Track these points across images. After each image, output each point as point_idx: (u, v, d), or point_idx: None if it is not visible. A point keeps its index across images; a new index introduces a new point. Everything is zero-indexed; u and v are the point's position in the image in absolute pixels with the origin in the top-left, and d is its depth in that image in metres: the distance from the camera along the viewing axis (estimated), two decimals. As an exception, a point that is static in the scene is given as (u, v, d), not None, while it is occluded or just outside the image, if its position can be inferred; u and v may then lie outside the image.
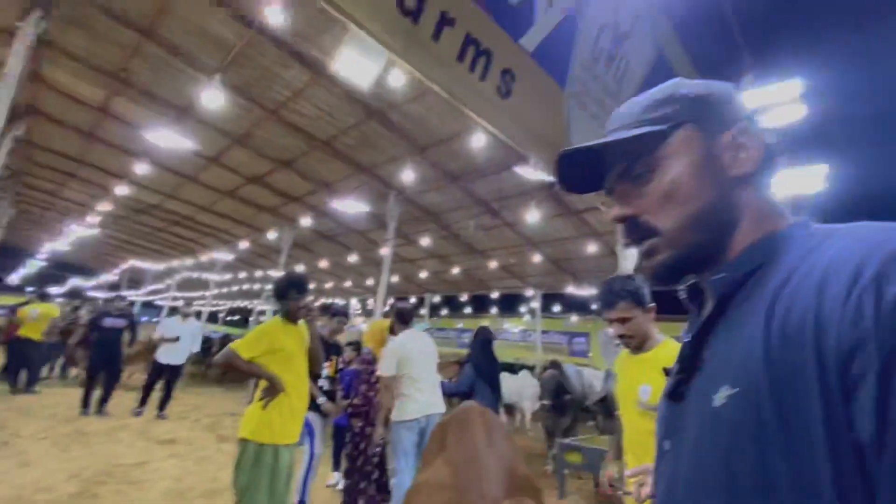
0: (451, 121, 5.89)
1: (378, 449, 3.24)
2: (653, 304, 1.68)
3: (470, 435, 1.65)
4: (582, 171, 0.60)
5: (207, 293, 18.30)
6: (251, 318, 21.63)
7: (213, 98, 5.43)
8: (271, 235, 11.24)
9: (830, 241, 0.43)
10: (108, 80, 6.03)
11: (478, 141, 5.61)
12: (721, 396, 0.43)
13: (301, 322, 2.57)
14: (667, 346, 1.63)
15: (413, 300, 16.57)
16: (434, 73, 2.65)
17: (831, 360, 0.35)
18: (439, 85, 2.69)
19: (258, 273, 16.69)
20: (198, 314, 18.32)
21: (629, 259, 4.11)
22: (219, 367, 2.40)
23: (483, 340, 4.00)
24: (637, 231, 0.54)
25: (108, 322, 5.85)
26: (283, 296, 2.47)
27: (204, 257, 15.65)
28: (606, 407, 6.92)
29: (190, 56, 5.40)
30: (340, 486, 3.56)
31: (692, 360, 0.51)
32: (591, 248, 9.18)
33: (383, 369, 3.08)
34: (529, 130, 3.35)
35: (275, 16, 3.95)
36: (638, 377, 1.65)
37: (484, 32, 2.77)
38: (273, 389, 2.35)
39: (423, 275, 13.68)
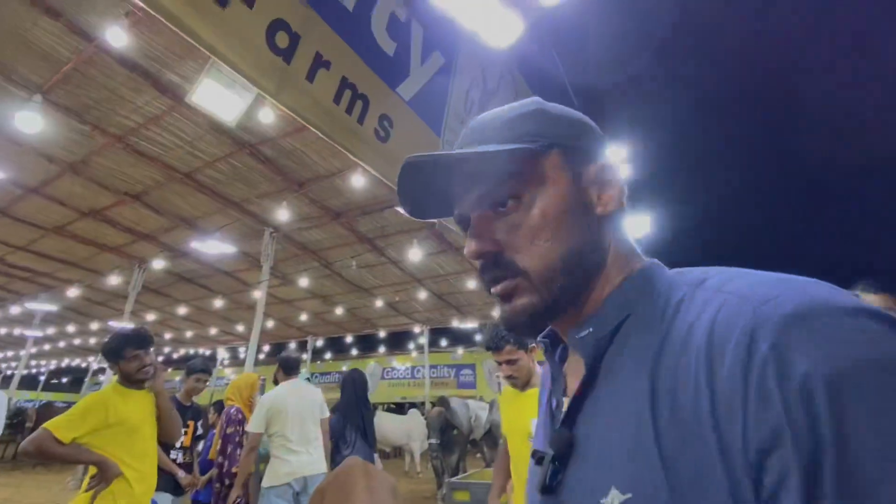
0: (331, 157, 5.80)
1: None
2: (534, 345, 1.82)
3: (353, 497, 1.52)
4: (429, 189, 0.49)
5: (22, 352, 14.61)
6: (86, 380, 17.82)
7: (32, 118, 4.54)
8: (114, 279, 9.56)
9: (703, 293, 0.37)
10: None
11: (358, 180, 5.59)
12: (611, 503, 0.35)
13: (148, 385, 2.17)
14: None
15: (293, 345, 15.39)
16: (309, 113, 2.58)
17: (738, 461, 0.29)
18: (315, 126, 2.62)
19: (95, 325, 13.95)
20: (6, 379, 14.56)
21: None
22: (28, 457, 1.90)
23: (352, 384, 3.74)
24: (498, 269, 0.45)
25: None
26: (119, 355, 2.05)
27: (16, 308, 12.59)
28: (493, 438, 7.12)
29: (4, 68, 4.49)
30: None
31: (567, 441, 0.41)
32: (473, 282, 9.63)
33: (251, 426, 2.81)
34: (408, 173, 3.42)
35: (118, 37, 3.50)
36: (526, 411, 1.74)
37: (360, 77, 2.80)
38: (104, 476, 1.92)
39: (304, 317, 12.84)
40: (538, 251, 0.44)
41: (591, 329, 0.43)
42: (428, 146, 3.34)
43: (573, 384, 0.46)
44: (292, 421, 2.80)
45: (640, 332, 0.40)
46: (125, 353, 2.04)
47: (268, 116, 4.38)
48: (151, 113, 5.14)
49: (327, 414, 3.09)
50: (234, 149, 5.76)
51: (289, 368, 3.04)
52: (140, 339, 2.08)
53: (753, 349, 0.30)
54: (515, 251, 0.45)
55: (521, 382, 1.79)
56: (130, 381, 2.09)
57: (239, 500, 2.81)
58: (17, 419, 9.51)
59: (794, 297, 0.31)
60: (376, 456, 3.78)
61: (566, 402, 0.45)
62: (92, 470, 1.96)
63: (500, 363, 1.80)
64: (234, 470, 2.98)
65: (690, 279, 0.40)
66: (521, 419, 1.76)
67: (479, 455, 7.82)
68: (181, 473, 2.75)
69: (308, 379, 3.25)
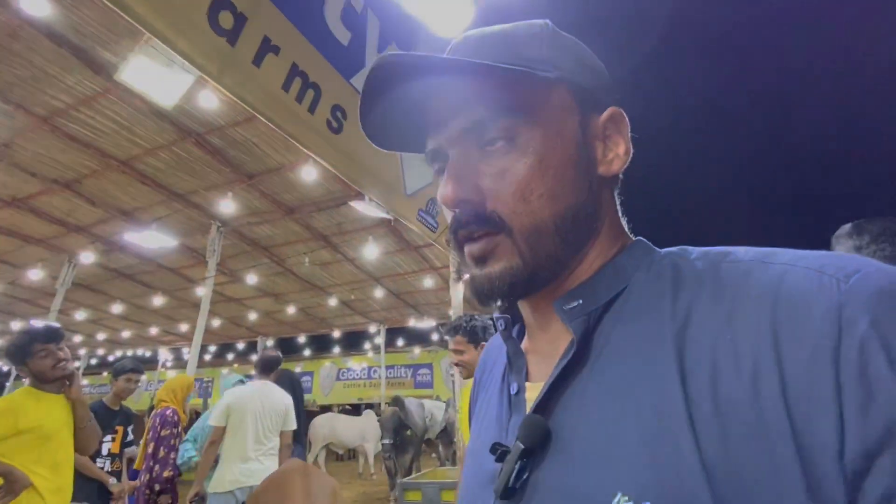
0: (283, 149, 5.60)
1: None
2: (484, 343, 1.87)
3: (289, 499, 1.45)
4: (401, 107, 0.39)
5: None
6: (8, 384, 16.29)
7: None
8: (41, 274, 8.80)
9: (736, 266, 0.32)
10: None
11: (311, 173, 5.43)
12: None
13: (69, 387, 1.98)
14: None
15: (242, 345, 14.78)
16: (255, 99, 2.47)
17: (826, 462, 0.23)
18: (262, 113, 2.51)
19: (18, 324, 12.77)
20: None
21: (454, 295, 4.37)
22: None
23: (290, 385, 3.55)
24: (476, 222, 0.37)
25: None
26: (26, 353, 1.85)
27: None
28: (448, 437, 7.13)
29: None
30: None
31: (542, 431, 0.33)
32: (430, 281, 9.61)
33: (212, 419, 2.69)
34: (363, 168, 3.36)
35: (39, 7, 3.21)
36: None
37: (312, 65, 2.71)
38: (11, 487, 1.73)
39: (254, 316, 12.35)
40: (528, 207, 0.36)
41: (580, 301, 0.36)
42: (383, 140, 3.28)
43: (539, 367, 0.40)
44: (250, 423, 2.65)
45: (646, 307, 0.34)
46: (33, 349, 1.84)
47: (211, 101, 4.16)
48: (83, 94, 4.75)
49: (293, 426, 2.88)
50: (177, 136, 5.43)
51: (262, 368, 2.89)
52: (48, 333, 1.88)
53: (846, 328, 0.25)
54: (500, 203, 0.37)
55: (466, 373, 1.86)
56: (46, 380, 1.90)
57: (197, 497, 2.69)
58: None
59: (880, 272, 0.27)
60: (313, 459, 3.66)
61: (532, 387, 0.38)
62: (-1, 481, 1.77)
63: (451, 350, 1.89)
64: (165, 475, 2.80)
65: (704, 254, 0.35)
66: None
67: (434, 455, 7.81)
68: (112, 480, 2.56)
69: (241, 381, 3.08)
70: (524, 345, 0.44)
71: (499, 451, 0.36)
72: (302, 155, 5.20)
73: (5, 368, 19.96)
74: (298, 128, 2.63)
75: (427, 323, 12.70)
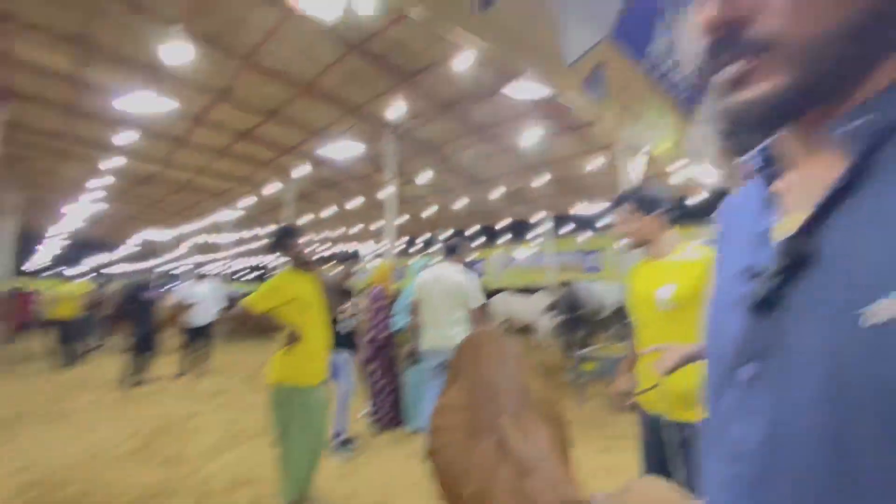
0: (436, 42, 5.53)
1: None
2: (657, 213, 1.69)
3: (482, 358, 1.71)
4: None
5: (220, 255, 18.71)
6: (266, 275, 22.31)
7: (180, 50, 5.15)
8: (272, 189, 11.20)
9: None
10: (73, 48, 5.73)
11: (465, 61, 5.29)
12: (878, 312, 0.28)
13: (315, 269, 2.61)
14: (685, 251, 1.65)
15: (425, 237, 16.66)
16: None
17: None
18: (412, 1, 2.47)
19: (260, 230, 16.90)
20: (213, 277, 19.08)
21: (632, 170, 3.98)
22: (231, 322, 2.50)
23: None
24: (737, 45, 0.33)
25: (145, 295, 6.09)
26: (286, 245, 2.50)
27: (209, 220, 15.78)
28: (620, 317, 7.16)
29: (151, 9, 5.05)
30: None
31: (800, 253, 0.33)
32: (595, 162, 8.95)
33: (411, 296, 3.32)
34: (518, 40, 3.12)
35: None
36: (654, 282, 1.69)
37: (452, -67, 2.48)
38: (293, 336, 2.45)
39: (430, 212, 13.66)
40: (806, 13, 0.31)
41: (860, 121, 0.32)
42: (536, 3, 2.94)
43: (797, 201, 0.37)
44: (437, 298, 3.18)
45: None
46: (286, 241, 2.47)
47: (366, 6, 4.28)
48: (266, 28, 5.40)
49: (476, 304, 3.18)
50: (343, 51, 5.85)
51: (447, 251, 3.39)
52: (293, 231, 2.50)
53: None
54: (771, 17, 0.32)
55: (631, 244, 1.75)
56: (300, 262, 2.53)
57: (412, 350, 3.34)
58: (233, 303, 12.69)
59: None
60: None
61: (789, 221, 0.37)
62: (283, 333, 2.52)
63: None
64: (382, 336, 3.62)
65: None
66: (648, 291, 1.73)
67: (606, 334, 8.00)
68: (349, 311, 3.41)
69: (426, 265, 3.55)
70: (777, 186, 0.41)
71: (753, 272, 0.36)
72: (453, 44, 5.07)
73: (262, 263, 27.06)
74: (449, 8, 2.54)
75: (593, 208, 12.14)
